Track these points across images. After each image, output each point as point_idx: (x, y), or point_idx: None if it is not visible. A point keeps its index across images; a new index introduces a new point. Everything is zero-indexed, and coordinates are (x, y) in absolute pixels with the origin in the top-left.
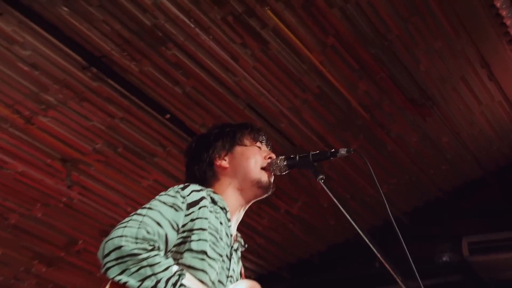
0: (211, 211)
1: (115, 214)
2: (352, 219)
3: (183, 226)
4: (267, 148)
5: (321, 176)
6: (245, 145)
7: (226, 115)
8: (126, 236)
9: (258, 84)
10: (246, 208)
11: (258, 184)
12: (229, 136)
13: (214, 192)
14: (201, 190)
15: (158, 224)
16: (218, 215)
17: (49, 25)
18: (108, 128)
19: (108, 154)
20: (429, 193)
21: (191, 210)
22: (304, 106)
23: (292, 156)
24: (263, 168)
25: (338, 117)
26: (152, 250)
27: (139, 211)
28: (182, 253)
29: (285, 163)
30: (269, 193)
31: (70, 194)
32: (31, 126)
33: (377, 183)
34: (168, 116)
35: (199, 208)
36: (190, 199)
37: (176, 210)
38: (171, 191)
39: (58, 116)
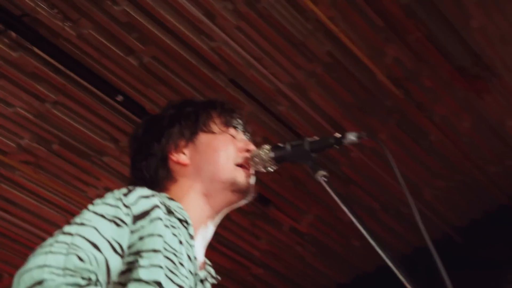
0: (166, 226)
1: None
2: (375, 238)
3: (129, 247)
4: (245, 136)
5: (323, 172)
6: (213, 132)
7: (200, 95)
8: (49, 266)
9: (245, 51)
10: (217, 221)
11: (232, 186)
12: (190, 119)
13: (170, 199)
14: (152, 195)
15: (95, 246)
16: (176, 231)
17: None
18: (36, 116)
19: (39, 152)
20: (490, 200)
21: (138, 224)
22: (310, 81)
23: (281, 145)
24: (238, 165)
25: (359, 95)
26: (88, 285)
27: (66, 228)
28: (126, 284)
29: (271, 155)
30: (248, 199)
31: None
32: None
33: (404, 186)
34: (120, 98)
35: (150, 221)
36: (137, 208)
37: (118, 225)
38: (110, 198)
39: None
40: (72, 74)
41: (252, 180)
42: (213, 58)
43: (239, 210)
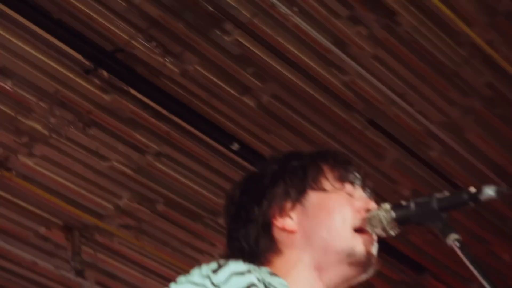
0: None
1: None
2: None
3: None
4: (364, 192)
5: (455, 236)
6: (325, 190)
7: (332, 140)
8: None
9: (384, 85)
10: None
11: (349, 258)
12: (297, 175)
13: (273, 274)
14: (248, 271)
15: None
16: None
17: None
18: (136, 171)
19: (141, 214)
20: None
21: None
22: (467, 119)
23: (403, 203)
24: (357, 229)
25: None
26: None
27: None
28: None
29: (393, 215)
30: (369, 272)
31: (81, 285)
32: (7, 174)
33: None
34: (236, 146)
35: None
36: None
37: None
38: (196, 276)
39: (51, 153)
40: (176, 119)
41: (374, 248)
42: (346, 95)
43: (386, 279)
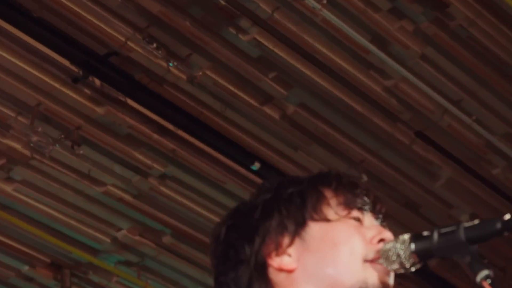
0: None
1: None
2: None
3: None
4: (376, 219)
5: (486, 272)
6: (328, 220)
7: (373, 156)
8: None
9: (435, 90)
10: None
11: None
12: (294, 203)
13: None
14: None
15: None
16: None
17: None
18: (137, 196)
19: (143, 248)
20: None
21: None
22: None
23: (425, 233)
24: (369, 261)
25: None
26: None
27: None
28: None
29: (412, 248)
30: None
31: None
32: None
33: None
34: (257, 165)
35: None
36: None
37: None
38: None
39: (34, 177)
40: (184, 135)
41: (391, 279)
42: (388, 103)
43: None
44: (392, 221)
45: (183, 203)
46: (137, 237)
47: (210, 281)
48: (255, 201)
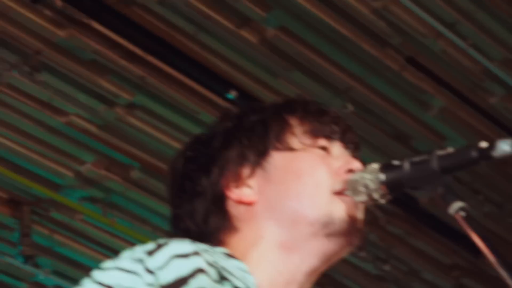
0: None
1: None
2: None
3: None
4: (346, 149)
5: (460, 204)
6: (293, 149)
7: (360, 84)
8: None
9: (426, 12)
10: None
11: (326, 228)
12: (256, 132)
13: (229, 256)
14: (194, 253)
15: None
16: None
17: None
18: (102, 127)
19: (110, 183)
20: None
21: None
22: None
23: (395, 163)
24: (337, 193)
25: None
26: None
27: None
28: None
29: (381, 178)
30: (353, 244)
31: (32, 274)
32: None
33: None
34: (233, 93)
35: None
36: (168, 275)
37: None
38: (125, 260)
39: None
40: (154, 61)
41: (360, 212)
42: (377, 26)
43: (436, 264)
44: (380, 154)
45: (152, 135)
46: (102, 172)
47: None
48: (215, 130)
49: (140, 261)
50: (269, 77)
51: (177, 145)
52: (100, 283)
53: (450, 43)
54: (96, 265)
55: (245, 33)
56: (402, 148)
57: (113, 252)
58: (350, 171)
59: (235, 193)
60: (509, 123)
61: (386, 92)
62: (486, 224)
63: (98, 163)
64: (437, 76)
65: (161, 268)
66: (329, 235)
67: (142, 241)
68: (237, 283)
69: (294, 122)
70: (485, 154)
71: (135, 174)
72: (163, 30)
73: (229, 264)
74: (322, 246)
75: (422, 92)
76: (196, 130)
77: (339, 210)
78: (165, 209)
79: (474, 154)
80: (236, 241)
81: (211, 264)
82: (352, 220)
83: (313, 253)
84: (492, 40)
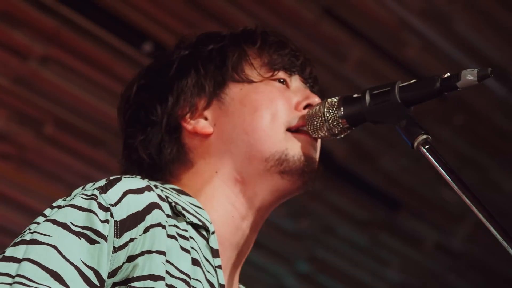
0: (172, 236)
1: None
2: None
3: (111, 274)
4: (305, 83)
5: (424, 137)
6: (251, 81)
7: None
8: None
9: None
10: (258, 223)
11: (280, 165)
12: (213, 62)
13: (181, 192)
14: (147, 188)
15: (54, 276)
16: (189, 244)
17: None
18: (16, 81)
19: (22, 139)
20: None
21: (126, 236)
22: (455, 6)
23: (356, 95)
24: (292, 129)
25: None
26: None
27: (9, 250)
28: None
29: (341, 112)
30: (308, 184)
31: None
32: None
33: None
34: (148, 46)
35: (145, 229)
36: (123, 211)
37: (93, 241)
38: (78, 198)
39: None
40: (67, 12)
41: (316, 151)
42: None
43: (352, 220)
44: None
45: (66, 89)
46: (14, 127)
47: (97, 175)
48: (171, 58)
49: (93, 198)
50: (186, 28)
51: (92, 99)
52: (54, 221)
53: None
54: (8, 224)
55: None
56: None
57: (26, 211)
58: (309, 106)
59: (190, 124)
60: (425, 74)
61: (302, 43)
62: (403, 178)
63: (9, 118)
64: (353, 27)
65: (115, 204)
66: (283, 172)
67: (55, 199)
68: (191, 218)
69: (252, 53)
70: (449, 84)
71: (49, 130)
72: None
73: (181, 200)
74: (276, 183)
75: (338, 43)
76: (111, 83)
77: (294, 147)
78: (79, 166)
79: (437, 84)
80: (190, 176)
81: (163, 199)
82: (307, 159)
83: (267, 189)
84: None
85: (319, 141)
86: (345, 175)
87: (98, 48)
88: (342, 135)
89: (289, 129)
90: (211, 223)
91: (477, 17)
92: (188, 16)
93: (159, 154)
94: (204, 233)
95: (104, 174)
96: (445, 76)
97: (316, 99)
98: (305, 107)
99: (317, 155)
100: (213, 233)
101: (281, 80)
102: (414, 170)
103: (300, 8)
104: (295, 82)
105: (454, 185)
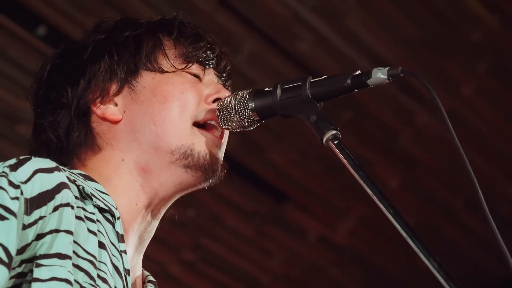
0: (80, 217)
1: None
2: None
3: (20, 251)
4: (219, 77)
5: (333, 132)
6: (163, 71)
7: None
8: None
9: None
10: (161, 212)
11: (185, 159)
12: (127, 48)
13: (87, 178)
14: (57, 168)
15: None
16: (95, 227)
17: None
18: None
19: None
20: None
21: (36, 213)
22: (348, 1)
23: (267, 89)
24: (200, 123)
25: (429, 24)
26: None
27: None
28: None
29: (251, 105)
30: (211, 180)
31: None
32: None
33: (466, 163)
34: (42, 29)
35: (54, 208)
36: (33, 189)
37: (2, 218)
38: None
39: None
40: None
41: (220, 151)
42: None
43: (238, 211)
44: None
45: None
46: None
47: None
48: (86, 41)
49: (3, 175)
50: (80, 14)
51: None
52: None
53: None
54: None
55: None
56: None
57: None
58: (218, 99)
59: (100, 109)
60: (317, 69)
61: None
62: (290, 171)
63: None
64: (247, 19)
65: (25, 182)
66: (187, 166)
67: None
68: (98, 202)
69: (168, 43)
70: (360, 82)
71: None
72: None
73: (87, 185)
74: (180, 176)
75: (232, 35)
76: (3, 67)
77: (200, 144)
78: None
79: (348, 81)
80: (96, 162)
81: (72, 181)
82: (211, 157)
83: (171, 181)
84: None
85: (226, 138)
86: (233, 166)
87: None
88: (252, 128)
89: (197, 123)
90: (116, 209)
91: (369, 14)
92: (86, 2)
93: (67, 136)
94: (110, 218)
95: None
96: (356, 73)
97: (226, 93)
98: (214, 101)
99: (221, 154)
100: (118, 218)
101: (194, 73)
102: (302, 163)
103: None
104: (208, 75)
105: (361, 181)
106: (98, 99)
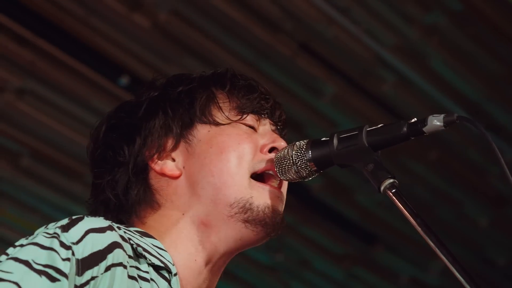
0: (133, 277)
1: None
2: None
3: None
4: (274, 126)
5: (390, 181)
6: (218, 124)
7: (252, 69)
8: None
9: None
10: (220, 268)
11: (244, 213)
12: (182, 104)
13: (144, 234)
14: (109, 228)
15: None
16: (148, 285)
17: None
18: None
19: None
20: None
21: (87, 274)
22: (431, 41)
23: (324, 139)
24: (257, 174)
25: None
26: None
27: None
28: None
29: (308, 155)
30: (271, 234)
31: None
32: None
33: None
34: (125, 79)
35: (107, 268)
36: (85, 249)
37: (54, 280)
38: (40, 236)
39: None
40: (44, 45)
41: (280, 203)
42: (270, 11)
43: (327, 254)
44: None
45: (43, 122)
46: None
47: (72, 207)
48: (140, 99)
49: (55, 236)
50: (161, 62)
51: (68, 132)
52: (16, 259)
53: (342, 29)
54: None
55: (137, 17)
56: (295, 136)
57: (2, 242)
58: (274, 149)
59: (158, 165)
60: (401, 109)
61: (278, 78)
62: (378, 212)
63: None
64: (329, 63)
65: (77, 242)
66: (246, 221)
67: (33, 231)
68: (153, 260)
69: (221, 96)
70: (416, 129)
71: (25, 162)
72: (53, 13)
73: (143, 242)
74: (240, 231)
75: (314, 78)
76: (88, 116)
77: (259, 197)
78: (55, 197)
79: (404, 129)
80: (156, 218)
81: (125, 240)
82: (271, 211)
83: (231, 235)
84: (384, 26)
85: (285, 188)
86: (321, 209)
87: (74, 80)
88: (310, 178)
89: (254, 174)
90: (173, 265)
91: (452, 54)
92: (164, 50)
93: (125, 194)
94: (166, 275)
95: (80, 206)
96: (412, 121)
97: (282, 143)
98: (270, 151)
99: (282, 206)
100: (175, 274)
101: (249, 124)
102: (390, 204)
103: (276, 43)
104: (264, 125)
105: (419, 229)
106: (155, 155)
